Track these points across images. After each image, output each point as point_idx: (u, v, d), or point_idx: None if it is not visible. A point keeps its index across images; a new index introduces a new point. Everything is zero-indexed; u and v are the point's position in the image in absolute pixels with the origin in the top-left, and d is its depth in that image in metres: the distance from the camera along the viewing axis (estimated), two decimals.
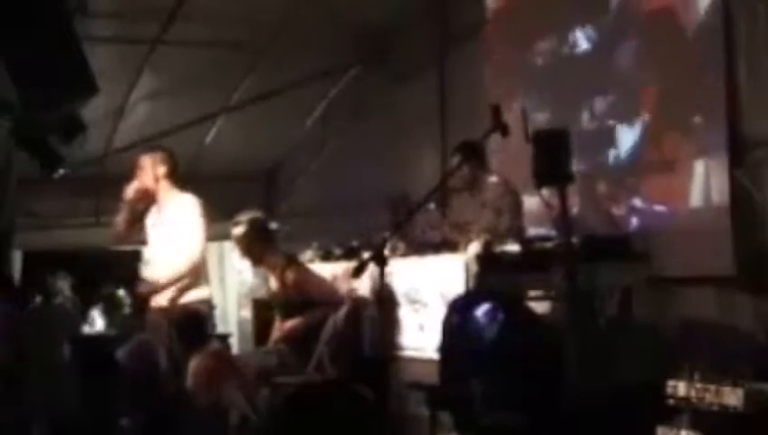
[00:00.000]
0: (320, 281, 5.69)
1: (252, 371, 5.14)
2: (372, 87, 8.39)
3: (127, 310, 8.65)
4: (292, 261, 5.62)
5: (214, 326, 5.83)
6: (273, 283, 5.59)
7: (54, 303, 8.47)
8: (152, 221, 5.61)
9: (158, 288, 5.39)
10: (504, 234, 5.20)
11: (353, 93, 8.71)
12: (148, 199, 5.58)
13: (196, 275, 5.45)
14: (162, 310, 5.37)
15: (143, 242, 5.78)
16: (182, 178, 5.69)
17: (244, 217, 5.52)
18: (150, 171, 5.49)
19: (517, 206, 5.47)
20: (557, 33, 6.39)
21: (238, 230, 5.48)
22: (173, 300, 5.34)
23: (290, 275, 5.45)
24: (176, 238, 5.43)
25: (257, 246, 5.51)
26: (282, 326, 5.51)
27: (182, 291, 5.36)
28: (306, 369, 5.25)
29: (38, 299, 8.61)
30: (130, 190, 5.53)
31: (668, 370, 4.07)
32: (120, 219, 5.59)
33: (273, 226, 5.61)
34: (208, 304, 5.57)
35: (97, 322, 9.52)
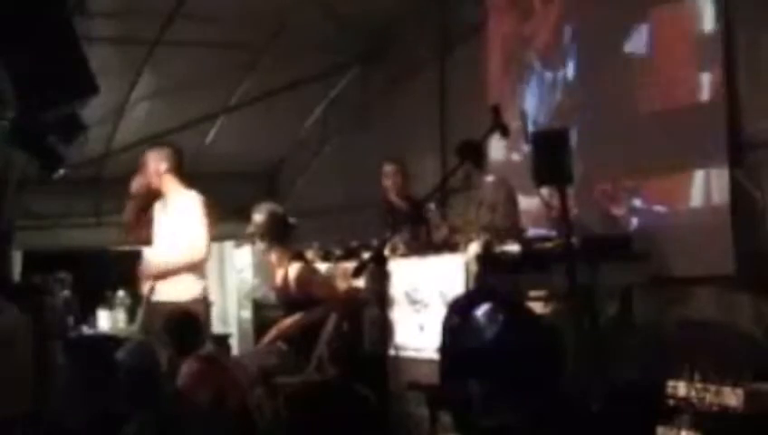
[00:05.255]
0: (322, 280, 5.69)
1: (247, 374, 5.12)
2: (372, 87, 8.38)
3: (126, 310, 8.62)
4: (299, 258, 5.63)
5: (210, 324, 5.87)
6: (278, 278, 5.60)
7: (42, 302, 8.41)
8: (157, 216, 5.76)
9: (157, 272, 5.60)
10: (503, 232, 5.18)
11: (353, 93, 8.71)
12: (151, 194, 5.75)
13: (198, 271, 5.56)
14: (158, 306, 5.45)
15: (147, 242, 5.87)
16: (183, 176, 5.77)
17: (265, 206, 5.63)
18: (152, 167, 5.64)
19: (511, 198, 5.45)
20: (556, 31, 6.39)
21: (256, 217, 5.56)
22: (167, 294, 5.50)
23: (293, 272, 5.46)
24: (178, 234, 5.57)
25: (270, 237, 5.55)
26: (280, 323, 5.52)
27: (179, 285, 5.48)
28: (306, 369, 5.25)
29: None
30: (134, 184, 5.74)
31: (668, 370, 4.07)
32: (129, 212, 5.82)
33: (292, 220, 5.66)
34: (205, 301, 5.62)
35: (101, 322, 9.47)
